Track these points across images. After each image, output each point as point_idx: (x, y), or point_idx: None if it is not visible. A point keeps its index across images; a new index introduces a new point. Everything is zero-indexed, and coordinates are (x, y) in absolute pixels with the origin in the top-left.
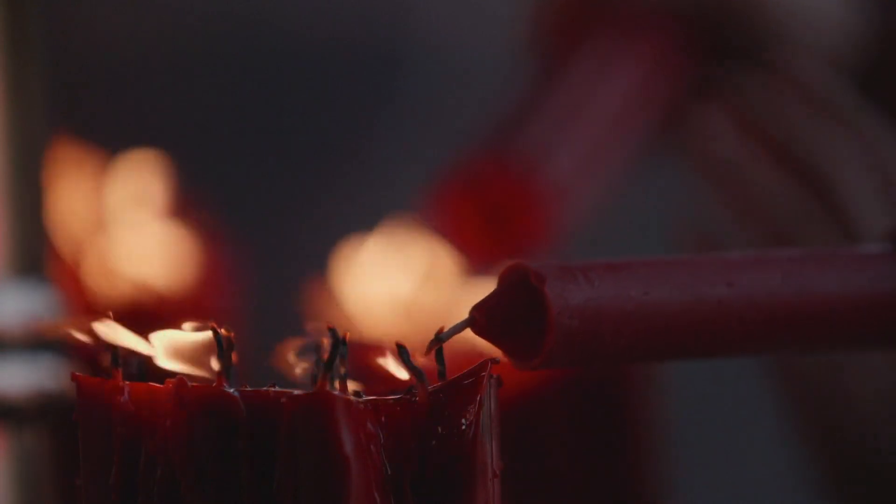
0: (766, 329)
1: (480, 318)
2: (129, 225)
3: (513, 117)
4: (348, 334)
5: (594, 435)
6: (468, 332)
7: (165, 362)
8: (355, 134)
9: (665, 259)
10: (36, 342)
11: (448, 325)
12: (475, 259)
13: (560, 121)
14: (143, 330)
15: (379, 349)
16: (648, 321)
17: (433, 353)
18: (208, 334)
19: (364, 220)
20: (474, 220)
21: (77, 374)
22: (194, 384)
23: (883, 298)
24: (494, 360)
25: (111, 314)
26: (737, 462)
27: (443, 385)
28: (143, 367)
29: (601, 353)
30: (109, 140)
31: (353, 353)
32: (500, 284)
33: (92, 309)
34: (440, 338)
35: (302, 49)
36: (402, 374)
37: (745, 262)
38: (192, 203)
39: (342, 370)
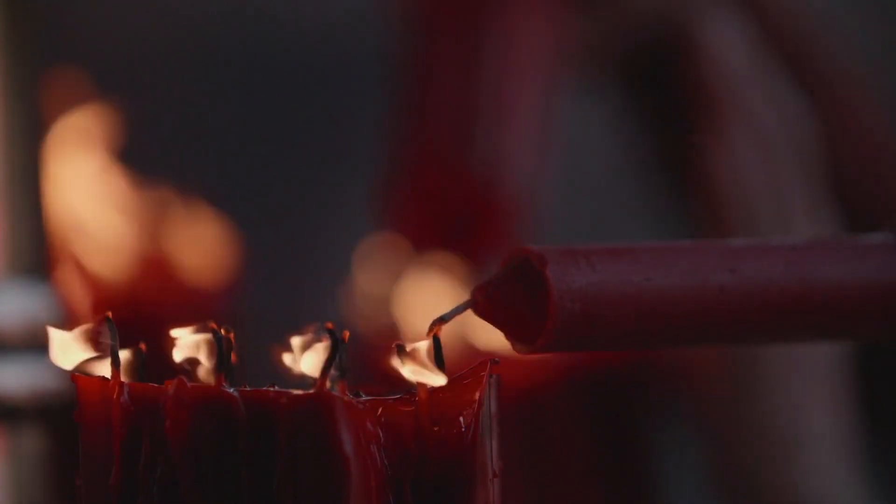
0: (768, 316)
1: (482, 300)
2: (130, 225)
3: (452, 117)
4: (347, 334)
5: (597, 435)
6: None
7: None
8: (360, 134)
9: (668, 245)
10: (36, 342)
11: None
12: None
13: (499, 109)
14: (141, 330)
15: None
16: (650, 306)
17: (432, 351)
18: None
19: (367, 221)
20: (433, 231)
21: (77, 374)
22: (194, 384)
23: (884, 288)
24: (494, 361)
25: (110, 314)
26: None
27: (443, 385)
28: (143, 367)
29: (602, 337)
30: (109, 141)
31: (353, 353)
32: (502, 267)
33: (92, 309)
34: (443, 318)
35: (304, 48)
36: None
37: (748, 249)
38: (192, 203)
39: (342, 370)
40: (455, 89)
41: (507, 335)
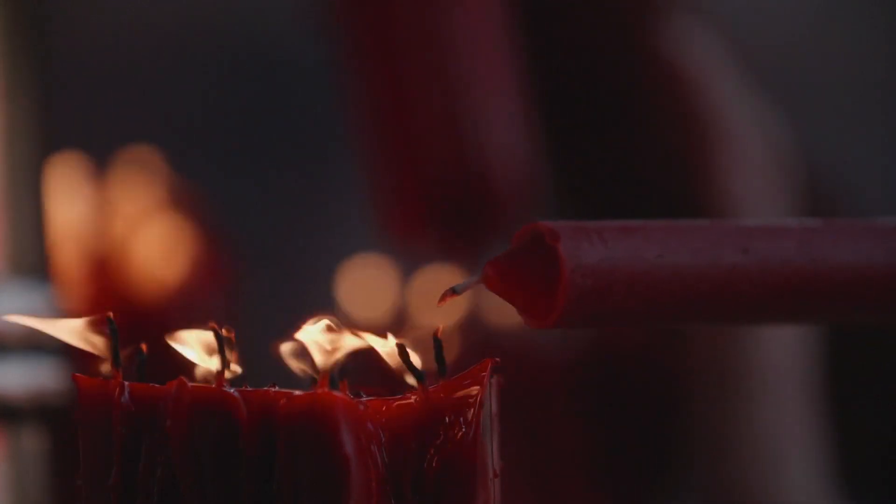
0: (780, 297)
1: (494, 274)
2: (130, 225)
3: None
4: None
5: (595, 436)
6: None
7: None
8: (357, 130)
9: (681, 223)
10: (36, 342)
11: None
12: (443, 256)
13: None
14: (141, 331)
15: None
16: (661, 283)
17: (432, 348)
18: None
19: (367, 220)
20: (436, 222)
21: (77, 374)
22: (194, 384)
23: None
24: (495, 360)
25: (111, 315)
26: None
27: (443, 385)
28: (144, 367)
29: (614, 313)
30: (110, 140)
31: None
32: (514, 242)
33: (92, 309)
34: (454, 289)
35: (302, 52)
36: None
37: (761, 228)
38: (193, 203)
39: (343, 370)
40: (426, 71)
41: (519, 310)
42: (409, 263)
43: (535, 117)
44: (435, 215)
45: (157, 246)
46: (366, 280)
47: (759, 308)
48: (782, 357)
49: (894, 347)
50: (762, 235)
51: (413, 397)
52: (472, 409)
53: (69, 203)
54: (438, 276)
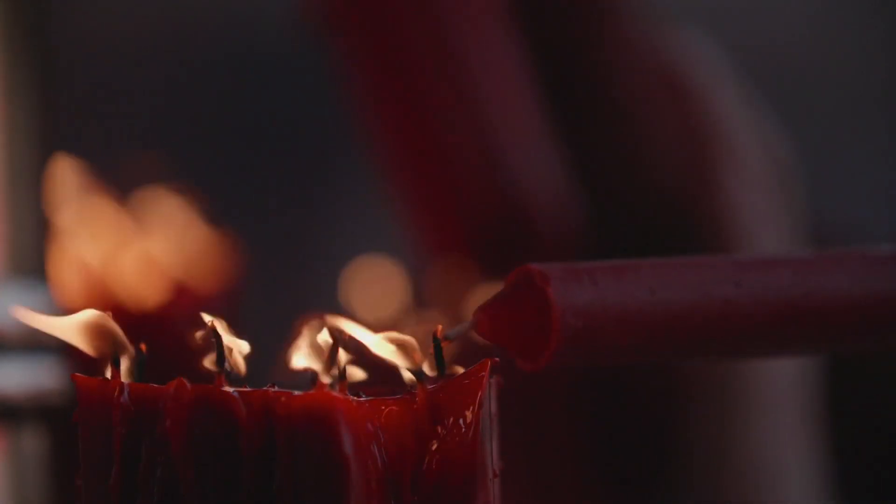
0: (774, 329)
1: (485, 319)
2: (131, 224)
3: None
4: (349, 334)
5: (598, 434)
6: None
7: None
8: (359, 131)
9: (672, 260)
10: (36, 342)
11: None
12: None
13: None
14: (142, 332)
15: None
16: (654, 321)
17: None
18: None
19: (369, 220)
20: (463, 249)
21: (77, 374)
22: (194, 384)
23: (892, 300)
24: (495, 360)
25: (110, 314)
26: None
27: (443, 385)
28: (143, 367)
29: (607, 352)
30: (111, 140)
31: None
32: (504, 286)
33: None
34: (447, 336)
35: (306, 52)
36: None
37: (753, 262)
38: (195, 203)
39: (341, 371)
40: (437, 78)
41: (512, 353)
42: (415, 265)
43: (550, 131)
44: (462, 233)
45: (158, 245)
46: (370, 281)
47: (754, 341)
48: (780, 369)
49: (892, 362)
50: (754, 268)
51: (413, 397)
52: (471, 409)
53: (69, 203)
54: (444, 279)
